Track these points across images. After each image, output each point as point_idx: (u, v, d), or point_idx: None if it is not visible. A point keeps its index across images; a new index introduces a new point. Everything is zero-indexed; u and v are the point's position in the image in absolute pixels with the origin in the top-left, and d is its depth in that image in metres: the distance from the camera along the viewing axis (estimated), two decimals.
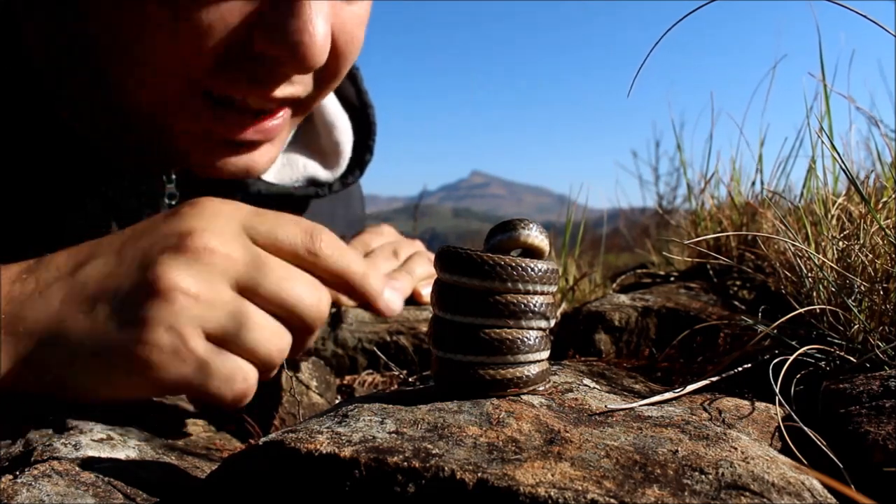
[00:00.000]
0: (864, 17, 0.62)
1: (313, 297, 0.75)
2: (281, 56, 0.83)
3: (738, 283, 1.02)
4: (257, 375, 0.73)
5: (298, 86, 0.92)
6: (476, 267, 0.54)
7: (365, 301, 0.89)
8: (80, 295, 0.69)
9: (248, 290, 0.72)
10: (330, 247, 0.78)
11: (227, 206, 0.76)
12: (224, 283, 0.71)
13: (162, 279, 0.68)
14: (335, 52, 0.90)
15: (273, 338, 0.73)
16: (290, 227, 0.76)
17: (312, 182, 1.19)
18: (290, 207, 1.04)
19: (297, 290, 0.74)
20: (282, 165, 1.18)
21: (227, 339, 0.70)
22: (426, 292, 1.06)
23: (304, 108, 0.99)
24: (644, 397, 0.60)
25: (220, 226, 0.73)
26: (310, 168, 1.19)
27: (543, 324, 0.56)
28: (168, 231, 0.72)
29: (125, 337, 0.67)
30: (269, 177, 1.15)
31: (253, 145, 0.95)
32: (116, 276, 0.70)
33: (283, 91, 0.90)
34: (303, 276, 0.76)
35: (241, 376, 0.71)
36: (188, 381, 0.69)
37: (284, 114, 0.95)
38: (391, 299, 0.94)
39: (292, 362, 0.82)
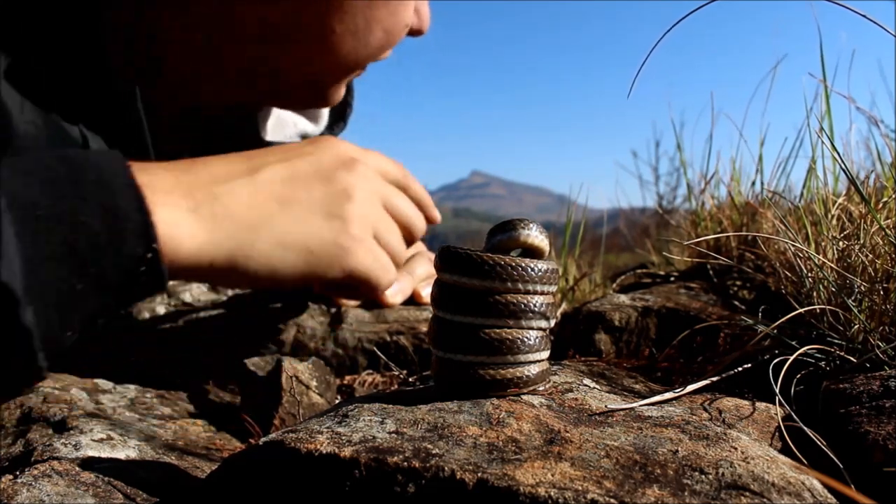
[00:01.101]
0: (865, 17, 0.62)
1: (418, 217, 1.01)
2: (423, 29, 1.09)
3: (738, 283, 1.02)
4: (395, 273, 0.96)
5: None
6: (476, 267, 0.54)
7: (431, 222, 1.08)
8: (272, 195, 0.82)
9: (389, 210, 0.95)
10: (414, 182, 1.02)
11: (345, 142, 0.95)
12: (379, 200, 0.93)
13: (350, 188, 0.88)
14: None
15: (401, 245, 0.97)
16: (390, 164, 0.99)
17: (304, 137, 1.28)
18: None
19: (410, 212, 0.99)
20: (274, 125, 1.24)
21: (383, 241, 0.92)
22: (426, 292, 1.06)
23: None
24: (644, 397, 0.60)
25: (365, 157, 0.94)
26: (300, 125, 1.28)
27: (543, 324, 0.56)
28: (333, 154, 0.90)
29: (332, 229, 0.85)
30: (267, 136, 1.21)
31: None
32: (300, 184, 0.85)
33: None
34: (411, 205, 0.99)
35: (390, 269, 0.94)
36: (366, 269, 0.88)
37: None
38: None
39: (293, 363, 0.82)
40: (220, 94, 1.05)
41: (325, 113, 1.32)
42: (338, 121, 1.34)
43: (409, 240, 1.00)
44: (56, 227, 0.59)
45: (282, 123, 1.26)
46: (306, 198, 0.84)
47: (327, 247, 0.85)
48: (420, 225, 1.01)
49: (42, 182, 0.60)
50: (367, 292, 0.96)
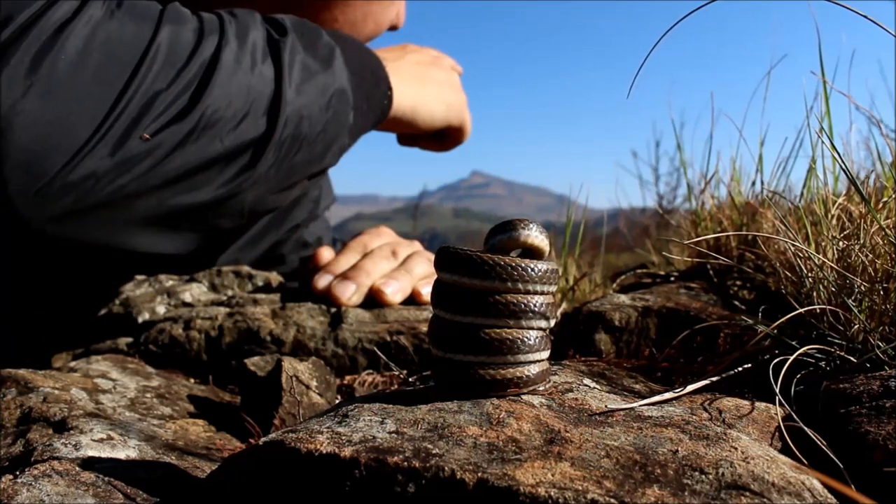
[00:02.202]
0: (865, 17, 0.62)
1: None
2: (400, 25, 1.38)
3: (738, 283, 1.02)
4: None
5: None
6: (476, 267, 0.54)
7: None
8: (417, 70, 1.28)
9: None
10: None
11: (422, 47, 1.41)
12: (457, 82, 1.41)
13: (452, 75, 1.36)
14: None
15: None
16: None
17: None
18: None
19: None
20: None
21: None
22: (426, 292, 1.06)
23: None
24: (644, 397, 0.60)
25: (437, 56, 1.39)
26: None
27: (543, 324, 0.56)
28: (427, 52, 1.35)
29: (460, 96, 1.35)
30: None
31: None
32: (429, 66, 1.31)
33: None
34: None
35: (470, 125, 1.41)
36: (468, 123, 1.38)
37: None
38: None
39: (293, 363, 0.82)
40: None
41: None
42: None
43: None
44: (361, 72, 1.12)
45: None
46: (437, 76, 1.30)
47: (458, 105, 1.33)
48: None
49: (356, 52, 1.13)
50: (456, 141, 1.40)
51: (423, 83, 1.25)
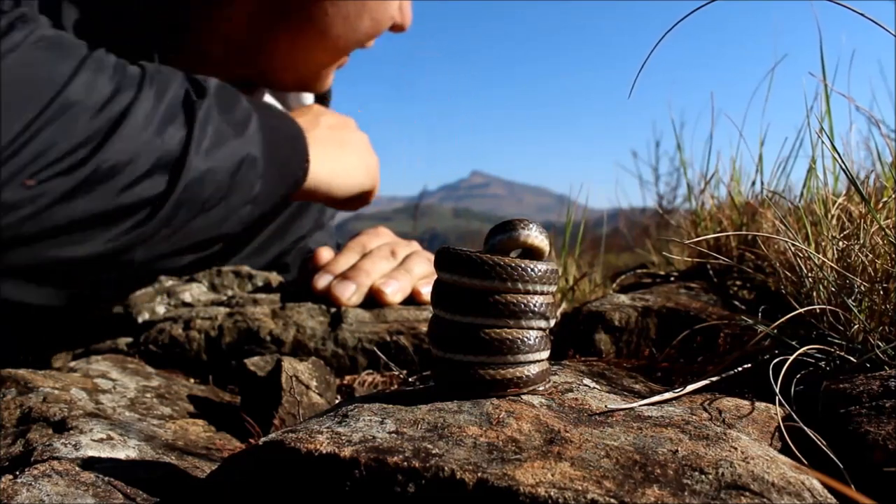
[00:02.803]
0: (865, 16, 0.62)
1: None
2: (405, 25, 1.31)
3: (738, 283, 1.02)
4: None
5: None
6: (476, 267, 0.54)
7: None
8: (332, 134, 1.21)
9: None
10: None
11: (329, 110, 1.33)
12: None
13: (362, 138, 1.29)
14: None
15: None
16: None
17: None
18: None
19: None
20: None
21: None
22: (426, 291, 1.06)
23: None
24: (644, 397, 0.60)
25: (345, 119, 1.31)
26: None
27: (543, 324, 0.56)
28: (336, 116, 1.26)
29: (373, 158, 1.30)
30: None
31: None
32: (338, 129, 1.23)
33: None
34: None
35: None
36: (377, 184, 1.33)
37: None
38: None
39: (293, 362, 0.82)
40: (222, 70, 1.17)
41: (309, 103, 1.47)
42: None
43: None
44: (276, 140, 1.08)
45: None
46: (352, 139, 1.24)
47: (374, 168, 1.28)
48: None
49: (275, 121, 1.10)
50: (364, 203, 1.32)
51: (341, 151, 1.20)
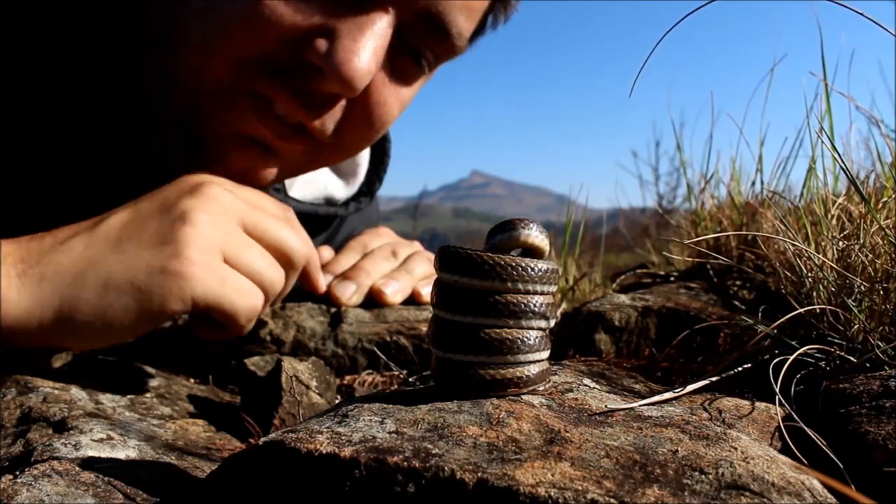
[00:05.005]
0: (865, 16, 0.62)
1: (298, 242, 0.90)
2: (325, 67, 0.88)
3: (738, 283, 1.02)
4: (263, 299, 0.85)
5: (326, 124, 0.96)
6: (476, 267, 0.54)
7: (307, 280, 1.01)
8: (105, 240, 0.78)
9: (250, 229, 0.86)
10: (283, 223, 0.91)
11: (209, 175, 0.89)
12: (234, 221, 0.84)
13: (188, 211, 0.80)
14: (365, 113, 0.97)
15: (271, 268, 0.87)
16: (258, 194, 0.91)
17: (329, 200, 1.27)
18: (313, 224, 1.15)
19: (286, 234, 0.89)
20: (304, 182, 1.23)
21: (239, 264, 0.83)
22: (426, 292, 1.06)
23: (316, 156, 1.02)
24: (644, 397, 0.60)
25: (220, 182, 0.87)
26: (330, 187, 1.27)
27: (543, 324, 0.56)
28: (181, 185, 0.85)
29: (161, 256, 0.77)
30: (294, 193, 1.20)
31: (265, 157, 0.97)
32: (138, 221, 0.80)
33: (313, 121, 0.95)
34: (286, 225, 0.90)
35: (252, 294, 0.83)
36: (214, 294, 0.78)
37: (302, 147, 0.98)
38: (340, 289, 1.04)
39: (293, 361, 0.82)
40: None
41: (360, 170, 1.30)
42: (365, 194, 1.30)
43: (290, 266, 0.90)
44: None
45: (314, 181, 1.25)
46: (139, 234, 0.78)
47: (155, 277, 0.76)
48: (300, 247, 0.89)
49: None
50: (226, 322, 0.82)
51: (93, 266, 0.76)
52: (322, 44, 0.88)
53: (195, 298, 0.77)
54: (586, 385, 0.62)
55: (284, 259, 0.89)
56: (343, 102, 0.95)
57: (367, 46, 0.88)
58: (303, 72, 0.90)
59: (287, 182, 1.18)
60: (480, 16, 1.01)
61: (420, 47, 0.97)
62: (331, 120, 0.96)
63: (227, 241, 0.81)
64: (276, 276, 0.87)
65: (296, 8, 0.87)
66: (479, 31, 1.06)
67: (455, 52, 1.00)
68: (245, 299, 0.82)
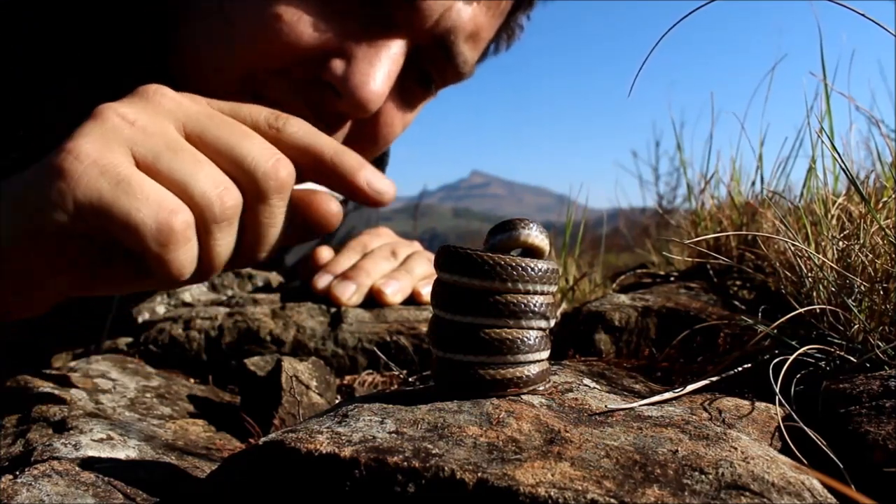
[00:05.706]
0: (865, 16, 0.62)
1: (267, 158, 0.68)
2: (341, 89, 0.89)
3: (738, 283, 1.02)
4: (190, 217, 0.64)
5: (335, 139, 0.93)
6: (476, 266, 0.54)
7: (340, 181, 0.75)
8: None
9: (195, 137, 0.68)
10: (297, 125, 0.73)
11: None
12: (168, 121, 0.67)
13: (103, 108, 0.66)
14: (372, 132, 1.00)
15: (214, 183, 0.66)
16: (253, 106, 0.73)
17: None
18: None
19: (247, 146, 0.68)
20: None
21: (160, 171, 0.64)
22: (426, 292, 1.06)
23: None
24: (644, 397, 0.60)
25: (177, 93, 0.71)
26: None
27: (543, 324, 0.56)
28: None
29: (51, 156, 0.62)
30: None
31: None
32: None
33: None
34: (258, 138, 0.69)
35: (168, 206, 0.62)
36: (100, 198, 0.61)
37: None
38: (372, 180, 0.76)
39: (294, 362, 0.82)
40: None
41: None
42: None
43: (255, 191, 0.68)
44: None
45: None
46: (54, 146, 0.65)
47: (40, 180, 0.62)
48: (271, 167, 0.68)
49: None
50: (128, 243, 0.63)
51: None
52: (339, 65, 0.89)
53: (77, 202, 0.61)
54: (586, 385, 0.62)
55: (245, 179, 0.68)
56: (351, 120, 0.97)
57: (381, 70, 0.90)
58: (318, 87, 0.91)
59: None
60: (485, 45, 1.05)
61: (429, 71, 1.00)
62: (339, 136, 0.98)
63: (145, 140, 0.65)
64: (212, 191, 0.65)
65: (315, 27, 0.88)
66: (482, 57, 1.10)
67: (461, 77, 1.02)
68: (151, 211, 0.61)
